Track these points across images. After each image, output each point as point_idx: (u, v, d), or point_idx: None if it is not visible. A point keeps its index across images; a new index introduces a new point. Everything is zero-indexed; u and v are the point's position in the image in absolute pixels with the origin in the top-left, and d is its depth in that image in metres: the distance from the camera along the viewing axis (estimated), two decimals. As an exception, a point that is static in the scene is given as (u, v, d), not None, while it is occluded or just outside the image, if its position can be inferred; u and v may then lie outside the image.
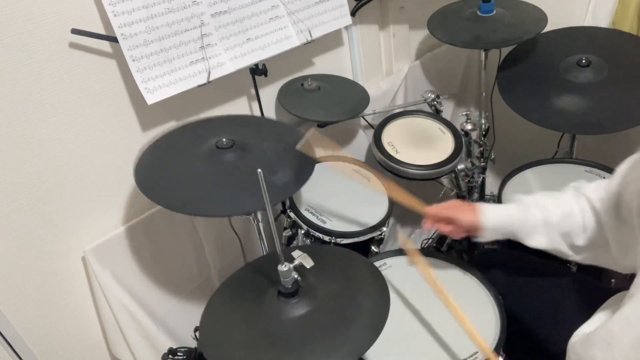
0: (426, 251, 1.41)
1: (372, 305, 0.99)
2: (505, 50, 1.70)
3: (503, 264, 1.32)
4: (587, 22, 1.71)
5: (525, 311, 1.21)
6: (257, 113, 1.51)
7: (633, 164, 0.94)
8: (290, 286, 0.97)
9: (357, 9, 1.63)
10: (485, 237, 1.11)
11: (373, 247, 1.45)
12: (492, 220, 1.10)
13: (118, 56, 1.21)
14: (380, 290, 1.02)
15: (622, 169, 0.97)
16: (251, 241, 1.57)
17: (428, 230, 2.15)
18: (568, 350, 0.95)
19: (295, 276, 0.97)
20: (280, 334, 0.95)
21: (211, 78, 1.28)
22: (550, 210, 1.05)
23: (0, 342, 1.25)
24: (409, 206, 1.20)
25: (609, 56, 1.56)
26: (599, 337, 0.85)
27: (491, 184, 1.94)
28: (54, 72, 1.14)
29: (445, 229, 1.15)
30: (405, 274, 1.30)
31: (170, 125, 1.38)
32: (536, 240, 1.07)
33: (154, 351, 1.45)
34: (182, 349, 1.28)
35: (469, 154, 1.73)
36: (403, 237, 1.23)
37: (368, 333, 0.93)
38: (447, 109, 2.02)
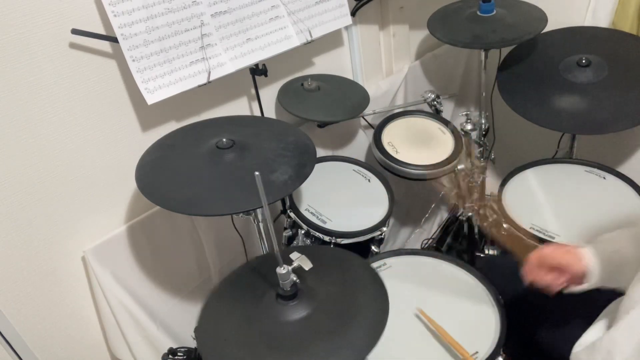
0: (426, 251, 1.41)
1: (372, 308, 0.99)
2: (505, 50, 1.70)
3: (503, 267, 1.32)
4: (587, 22, 1.71)
5: (526, 313, 1.21)
6: (257, 113, 1.51)
7: None
8: (288, 289, 0.97)
9: (357, 9, 1.63)
10: (589, 284, 0.98)
11: (373, 247, 1.45)
12: (598, 263, 0.97)
13: (118, 56, 1.21)
14: (379, 293, 1.02)
15: None
16: (252, 241, 1.57)
17: (428, 231, 2.15)
18: (572, 359, 0.95)
19: (294, 279, 0.97)
20: (279, 337, 0.94)
21: (211, 78, 1.28)
22: (622, 246, 0.98)
23: (0, 342, 1.25)
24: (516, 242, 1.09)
25: (609, 56, 1.56)
26: (602, 345, 0.85)
27: (491, 184, 1.93)
28: (54, 72, 1.14)
29: (546, 278, 0.99)
30: (405, 274, 1.30)
31: (171, 125, 1.38)
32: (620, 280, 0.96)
33: (154, 351, 1.45)
34: (182, 349, 1.28)
35: (469, 154, 1.73)
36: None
37: (368, 336, 0.92)
38: (447, 109, 2.02)
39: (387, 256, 1.35)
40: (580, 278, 0.98)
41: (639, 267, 0.93)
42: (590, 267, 0.96)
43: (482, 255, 1.73)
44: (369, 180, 1.56)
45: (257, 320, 0.98)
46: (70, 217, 1.28)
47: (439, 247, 2.05)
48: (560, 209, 1.41)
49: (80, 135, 1.23)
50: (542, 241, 1.33)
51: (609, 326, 0.97)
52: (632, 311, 0.83)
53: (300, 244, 1.42)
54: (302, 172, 1.11)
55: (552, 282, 0.99)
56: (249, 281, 1.08)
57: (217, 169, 1.11)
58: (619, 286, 0.98)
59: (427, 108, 1.75)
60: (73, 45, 1.15)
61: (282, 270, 0.95)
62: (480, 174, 1.79)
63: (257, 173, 0.85)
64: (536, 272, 0.99)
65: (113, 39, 1.16)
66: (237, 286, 1.10)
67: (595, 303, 1.04)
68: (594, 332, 0.99)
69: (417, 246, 2.07)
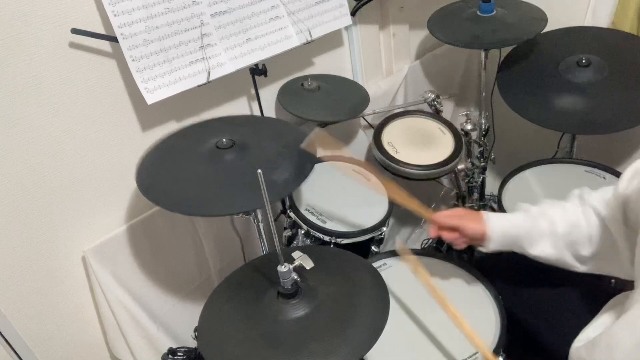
0: (426, 251, 1.41)
1: (372, 307, 0.99)
2: (505, 50, 1.70)
3: (503, 266, 1.32)
4: (587, 22, 1.71)
5: (526, 312, 1.22)
6: (257, 113, 1.51)
7: (638, 169, 0.92)
8: (289, 287, 0.97)
9: (357, 9, 1.63)
10: (488, 247, 1.09)
11: (373, 247, 1.45)
12: (497, 229, 1.08)
13: (118, 56, 1.21)
14: (379, 292, 1.02)
15: (627, 174, 0.94)
16: (251, 241, 1.57)
17: (428, 231, 2.15)
18: (571, 355, 0.95)
19: (295, 277, 0.97)
20: (279, 335, 0.95)
21: (211, 78, 1.28)
22: (556, 221, 1.04)
23: (0, 342, 1.25)
24: (413, 210, 1.19)
25: (609, 56, 1.55)
26: (603, 341, 0.85)
27: (491, 184, 1.93)
28: (54, 72, 1.14)
29: (448, 237, 1.13)
30: (405, 274, 1.30)
31: (170, 125, 1.38)
32: (541, 251, 1.05)
33: (154, 351, 1.45)
34: (182, 349, 1.28)
35: (469, 154, 1.73)
36: (401, 244, 1.21)
37: (368, 335, 0.93)
38: (447, 109, 2.02)
39: (387, 256, 1.35)
40: (480, 240, 1.09)
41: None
42: (487, 231, 1.07)
43: (480, 252, 1.73)
44: (369, 180, 1.55)
45: (258, 318, 0.98)
46: (70, 217, 1.28)
47: (439, 247, 2.04)
48: (560, 209, 1.41)
49: (80, 135, 1.23)
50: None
51: (610, 321, 0.97)
52: (633, 308, 0.83)
53: (300, 244, 1.42)
54: (302, 172, 1.11)
55: (453, 239, 1.12)
56: (250, 280, 1.09)
57: (217, 169, 1.12)
58: (523, 251, 1.07)
59: (427, 108, 1.75)
60: (73, 45, 1.15)
61: (283, 268, 0.95)
62: (480, 174, 1.79)
63: (259, 170, 0.85)
64: (437, 230, 1.13)
65: (113, 39, 1.16)
66: (238, 285, 1.10)
67: (595, 301, 1.05)
68: (593, 329, 0.99)
69: (417, 246, 2.07)
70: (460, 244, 1.12)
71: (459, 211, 1.14)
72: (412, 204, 1.19)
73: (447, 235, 1.13)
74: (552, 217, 1.05)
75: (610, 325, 0.88)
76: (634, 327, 0.81)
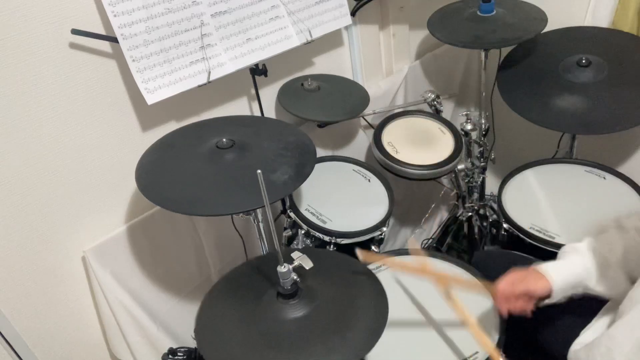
0: (426, 251, 1.41)
1: (371, 309, 0.99)
2: (505, 50, 1.70)
3: (502, 265, 1.32)
4: (587, 22, 1.71)
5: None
6: (257, 113, 1.51)
7: None
8: (289, 287, 0.97)
9: (357, 9, 1.63)
10: (552, 299, 1.03)
11: (373, 247, 1.45)
12: (559, 281, 1.01)
13: (118, 56, 1.21)
14: (378, 293, 1.02)
15: None
16: (252, 241, 1.57)
17: (428, 231, 2.15)
18: (570, 357, 0.95)
19: (295, 277, 0.97)
20: (278, 335, 0.95)
21: (211, 78, 1.28)
22: (613, 249, 1.00)
23: (0, 342, 1.25)
24: (475, 289, 1.13)
25: (609, 56, 1.55)
26: (602, 343, 0.85)
27: (491, 184, 1.94)
28: (54, 72, 1.14)
29: (518, 307, 1.03)
30: (405, 274, 1.30)
31: (170, 125, 1.38)
32: (603, 284, 1.00)
33: (154, 351, 1.45)
34: (182, 349, 1.28)
35: (469, 154, 1.73)
36: (412, 241, 1.17)
37: (367, 335, 0.93)
38: (447, 109, 2.02)
39: (387, 256, 1.35)
40: (547, 294, 1.02)
41: (600, 274, 0.98)
42: (553, 285, 1.00)
43: (480, 250, 1.73)
44: (369, 180, 1.56)
45: (257, 318, 0.98)
46: (70, 217, 1.28)
47: (439, 247, 2.05)
48: (560, 209, 1.41)
49: (80, 135, 1.23)
50: (540, 241, 1.33)
51: (608, 324, 0.97)
52: (631, 310, 0.83)
53: (300, 244, 1.42)
54: (302, 172, 1.11)
55: (523, 307, 1.03)
56: (249, 280, 1.09)
57: (217, 169, 1.12)
58: (587, 293, 1.01)
59: (427, 108, 1.75)
60: (73, 45, 1.15)
61: (282, 268, 0.95)
62: (480, 174, 1.79)
63: (259, 171, 0.85)
64: (506, 304, 1.03)
65: (113, 39, 1.16)
66: (238, 285, 1.10)
67: (595, 302, 1.05)
68: (592, 331, 0.99)
69: (417, 246, 2.07)
70: (528, 311, 1.04)
71: (515, 276, 1.05)
72: (475, 286, 1.14)
73: (515, 306, 1.03)
74: (607, 245, 1.01)
75: (609, 328, 0.88)
76: (633, 329, 0.81)
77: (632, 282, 0.96)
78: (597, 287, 1.00)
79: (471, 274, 1.28)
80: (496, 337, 1.12)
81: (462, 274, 1.29)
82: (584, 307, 1.06)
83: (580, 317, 1.04)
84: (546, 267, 1.03)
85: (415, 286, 1.25)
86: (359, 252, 1.18)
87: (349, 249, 1.35)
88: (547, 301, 1.03)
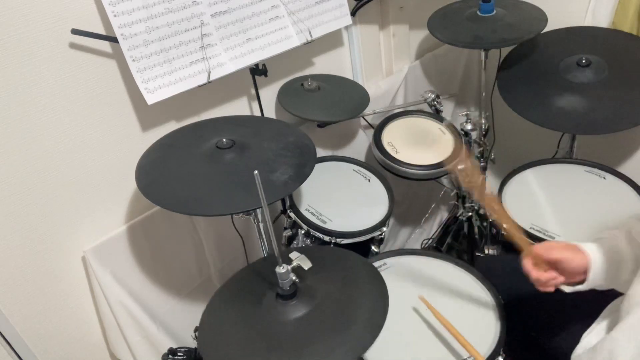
0: (426, 251, 1.41)
1: (371, 307, 0.99)
2: (505, 50, 1.70)
3: (503, 266, 1.32)
4: (587, 22, 1.71)
5: (526, 312, 1.21)
6: (257, 113, 1.51)
7: None
8: (288, 288, 0.97)
9: (357, 9, 1.63)
10: (588, 282, 0.97)
11: (373, 247, 1.45)
12: (598, 258, 0.97)
13: (118, 56, 1.21)
14: (379, 291, 1.02)
15: None
16: (252, 241, 1.57)
17: (428, 231, 2.15)
18: None
19: (293, 278, 0.97)
20: (278, 336, 0.95)
21: (211, 78, 1.28)
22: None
23: (0, 342, 1.25)
24: (516, 239, 1.08)
25: (609, 56, 1.55)
26: (604, 347, 0.85)
27: (491, 184, 1.93)
28: (54, 72, 1.14)
29: (545, 276, 0.98)
30: (405, 274, 1.30)
31: (170, 125, 1.38)
32: (637, 277, 0.92)
33: (154, 351, 1.45)
34: (182, 349, 1.28)
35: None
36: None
37: (366, 334, 0.93)
38: (447, 109, 2.02)
39: (387, 256, 1.35)
40: (579, 275, 0.97)
41: (634, 268, 0.94)
42: (591, 262, 0.96)
43: (482, 255, 1.73)
44: (369, 180, 1.56)
45: (257, 319, 0.98)
46: (70, 217, 1.28)
47: (439, 247, 2.05)
48: (560, 209, 1.41)
49: (80, 135, 1.23)
50: (541, 241, 1.33)
51: (610, 327, 0.97)
52: (633, 312, 0.83)
53: (300, 244, 1.42)
54: (302, 172, 1.11)
55: (550, 280, 0.98)
56: (249, 281, 1.09)
57: (217, 169, 1.12)
58: (615, 286, 0.98)
59: (427, 108, 1.75)
60: (73, 45, 1.15)
61: (281, 269, 0.95)
62: (480, 174, 1.79)
63: (256, 172, 0.85)
64: (535, 269, 0.99)
65: (113, 39, 1.16)
66: (237, 286, 1.10)
67: (595, 303, 1.04)
68: (594, 334, 0.98)
69: (417, 246, 2.07)
70: (553, 286, 0.99)
71: (556, 243, 1.01)
72: (518, 233, 1.08)
73: (543, 275, 0.98)
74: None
75: (611, 331, 0.87)
76: (636, 331, 0.81)
77: None
78: (628, 280, 0.94)
79: (472, 275, 1.28)
80: (496, 338, 1.12)
81: (462, 274, 1.29)
82: (585, 309, 1.06)
83: (581, 317, 1.03)
84: (586, 246, 0.99)
85: (416, 286, 1.25)
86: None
87: (349, 249, 1.35)
88: (578, 287, 0.98)
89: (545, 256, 0.98)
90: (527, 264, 0.99)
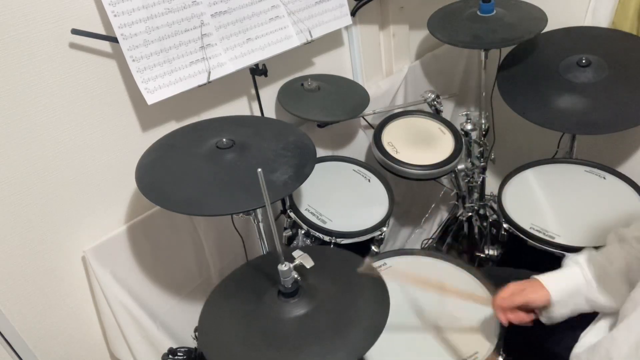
0: (426, 251, 1.41)
1: (372, 307, 0.99)
2: (505, 50, 1.70)
3: (502, 273, 1.32)
4: (587, 22, 1.71)
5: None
6: (257, 113, 1.51)
7: None
8: (290, 286, 0.97)
9: (357, 9, 1.63)
10: (555, 312, 1.02)
11: (373, 247, 1.45)
12: (558, 290, 1.01)
13: (118, 56, 1.21)
14: (379, 292, 1.02)
15: None
16: (252, 241, 1.57)
17: (428, 231, 2.15)
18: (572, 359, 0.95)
19: (295, 276, 0.97)
20: (279, 334, 0.95)
21: (211, 78, 1.28)
22: (612, 259, 0.99)
23: (0, 342, 1.25)
24: (471, 299, 1.15)
25: (609, 56, 1.56)
26: (603, 346, 0.86)
27: (491, 184, 1.94)
28: (54, 72, 1.14)
29: (517, 319, 1.04)
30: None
31: (170, 125, 1.38)
32: (605, 295, 0.98)
33: (154, 351, 1.45)
34: (182, 349, 1.28)
35: (469, 154, 1.73)
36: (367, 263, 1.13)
37: (367, 334, 0.93)
38: (447, 109, 2.02)
39: (387, 256, 1.35)
40: (544, 308, 1.02)
41: (602, 288, 0.98)
42: (551, 295, 1.00)
43: (482, 255, 1.73)
44: (369, 180, 1.56)
45: (258, 317, 0.98)
46: (70, 217, 1.28)
47: (439, 247, 2.05)
48: (560, 209, 1.41)
49: (80, 135, 1.23)
50: (541, 241, 1.33)
51: (608, 326, 0.97)
52: (633, 312, 0.83)
53: (300, 244, 1.42)
54: (302, 172, 1.11)
55: (523, 319, 1.04)
56: (250, 279, 1.09)
57: (217, 169, 1.12)
58: (597, 309, 1.00)
59: (427, 108, 1.75)
60: (73, 45, 1.15)
61: (283, 267, 0.95)
62: (480, 174, 1.79)
63: (259, 170, 0.85)
64: (505, 315, 1.05)
65: (113, 39, 1.16)
66: (239, 284, 1.10)
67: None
68: (593, 334, 0.99)
69: (417, 246, 2.07)
70: (529, 322, 1.05)
71: (514, 287, 1.05)
72: (468, 295, 1.15)
73: (514, 318, 1.04)
74: (607, 256, 1.00)
75: (611, 330, 0.88)
76: (631, 331, 0.81)
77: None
78: (599, 298, 0.99)
79: (472, 275, 1.28)
80: (495, 340, 1.12)
81: (462, 275, 1.29)
82: (583, 313, 1.06)
83: (580, 317, 1.03)
84: (545, 277, 1.03)
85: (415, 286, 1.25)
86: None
87: (349, 249, 1.35)
88: (546, 314, 1.03)
89: (509, 303, 1.04)
90: (497, 314, 1.06)
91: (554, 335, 1.13)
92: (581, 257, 1.04)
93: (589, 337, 0.98)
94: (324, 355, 0.90)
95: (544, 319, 1.04)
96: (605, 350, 0.84)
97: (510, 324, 1.12)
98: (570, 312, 1.02)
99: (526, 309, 1.04)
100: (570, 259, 1.05)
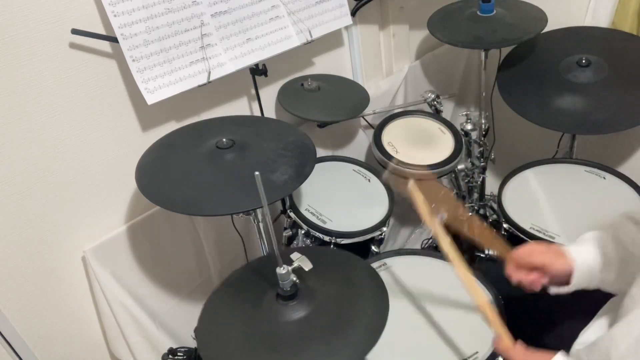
0: (426, 251, 1.41)
1: (372, 309, 0.99)
2: (505, 50, 1.70)
3: (503, 267, 1.32)
4: (587, 22, 1.71)
5: (526, 314, 1.21)
6: (257, 113, 1.51)
7: None
8: (288, 289, 0.97)
9: (357, 9, 1.63)
10: (571, 285, 0.98)
11: (373, 247, 1.45)
12: (583, 263, 0.97)
13: (118, 56, 1.21)
14: (379, 294, 1.02)
15: None
16: (252, 241, 1.57)
17: (428, 231, 2.15)
18: (571, 357, 0.95)
19: (294, 279, 0.97)
20: (278, 337, 0.94)
21: (211, 78, 1.28)
22: (635, 242, 0.95)
23: (0, 342, 1.25)
24: (495, 248, 1.10)
25: (609, 56, 1.56)
26: (602, 343, 0.86)
27: (491, 184, 1.94)
28: (54, 72, 1.14)
29: (528, 278, 1.00)
30: (405, 274, 1.30)
31: (170, 125, 1.38)
32: (622, 278, 0.94)
33: (154, 351, 1.45)
34: (182, 349, 1.28)
35: (469, 154, 1.73)
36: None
37: (367, 337, 0.92)
38: (447, 109, 2.02)
39: (387, 256, 1.35)
40: (562, 277, 0.98)
41: (619, 268, 0.94)
42: (575, 266, 0.97)
43: (482, 255, 1.73)
44: (369, 180, 1.56)
45: (257, 320, 0.98)
46: (70, 217, 1.28)
47: (439, 247, 2.04)
48: (560, 209, 1.41)
49: (80, 135, 1.23)
50: (536, 239, 1.33)
51: (608, 324, 0.97)
52: (633, 309, 0.83)
53: (300, 244, 1.42)
54: (302, 172, 1.11)
55: (534, 281, 0.99)
56: (249, 281, 1.09)
57: (217, 169, 1.12)
58: (601, 286, 0.98)
59: (427, 108, 1.75)
60: (73, 45, 1.15)
61: (282, 270, 0.95)
62: (480, 174, 1.79)
63: (257, 173, 0.85)
64: (517, 272, 1.01)
65: (113, 39, 1.16)
66: (238, 286, 1.10)
67: (595, 302, 1.04)
68: (592, 330, 0.99)
69: (417, 246, 2.07)
70: (538, 286, 1.00)
71: (536, 246, 1.01)
72: (495, 241, 1.10)
73: (526, 277, 1.00)
74: (629, 237, 0.96)
75: (611, 328, 0.88)
76: (630, 328, 0.81)
77: None
78: (614, 280, 0.95)
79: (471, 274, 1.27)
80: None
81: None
82: (584, 307, 1.06)
83: (580, 317, 1.03)
84: (569, 249, 0.99)
85: (416, 286, 1.25)
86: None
87: (349, 249, 1.35)
88: (561, 289, 0.99)
89: (527, 260, 1.00)
90: (509, 268, 1.02)
91: (554, 335, 1.13)
92: (606, 235, 0.99)
93: (588, 334, 0.98)
94: (325, 357, 0.90)
95: (552, 289, 1.00)
96: (605, 348, 0.84)
97: (511, 323, 1.12)
98: (580, 287, 0.98)
99: (541, 272, 0.99)
100: (592, 234, 1.02)
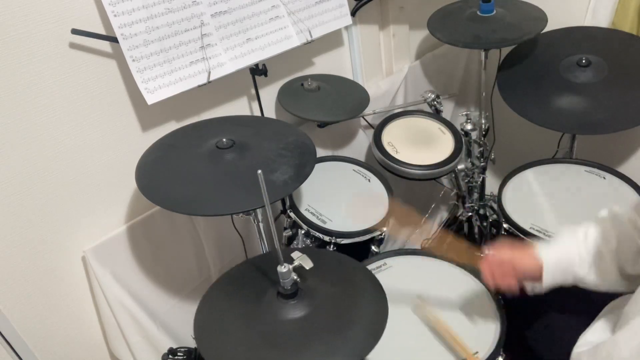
0: (426, 251, 1.41)
1: (371, 309, 0.99)
2: (505, 50, 1.70)
3: None
4: (587, 22, 1.71)
5: (526, 314, 1.21)
6: (257, 113, 1.51)
7: None
8: (289, 287, 0.97)
9: (357, 9, 1.63)
10: (545, 281, 1.00)
11: (373, 247, 1.45)
12: (551, 259, 0.99)
13: (118, 56, 1.21)
14: (378, 294, 1.02)
15: None
16: (252, 241, 1.57)
17: (428, 231, 2.15)
18: (573, 359, 0.95)
19: (295, 277, 0.97)
20: (278, 335, 0.94)
21: (211, 78, 1.28)
22: (608, 237, 0.98)
23: (0, 342, 1.25)
24: (468, 259, 1.15)
25: (609, 56, 1.56)
26: (605, 349, 0.86)
27: (491, 184, 1.94)
28: (54, 72, 1.14)
29: (503, 282, 1.03)
30: (405, 274, 1.30)
31: (170, 125, 1.38)
32: (594, 275, 0.97)
33: (154, 351, 1.45)
34: (182, 349, 1.28)
35: (469, 154, 1.73)
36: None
37: (367, 337, 0.92)
38: (447, 109, 2.02)
39: (387, 256, 1.35)
40: (535, 274, 1.00)
41: (613, 263, 0.96)
42: (543, 264, 0.99)
43: (482, 255, 1.73)
44: (369, 180, 1.56)
45: (257, 318, 0.98)
46: (70, 217, 1.28)
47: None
48: (560, 209, 1.41)
49: (80, 135, 1.23)
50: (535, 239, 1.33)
51: (609, 325, 0.97)
52: (637, 316, 0.83)
53: (300, 244, 1.42)
54: (302, 172, 1.11)
55: (509, 283, 1.02)
56: (250, 279, 1.09)
57: (217, 169, 1.12)
58: (581, 284, 0.99)
59: (427, 108, 1.75)
60: (73, 45, 1.15)
61: (283, 268, 0.95)
62: (480, 174, 1.79)
63: (259, 171, 0.85)
64: (492, 278, 1.04)
65: (113, 39, 1.16)
66: (238, 284, 1.10)
67: (595, 303, 1.04)
68: (591, 333, 0.99)
69: (417, 246, 2.07)
70: (514, 286, 1.03)
71: (507, 245, 1.05)
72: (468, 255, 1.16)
73: (501, 280, 1.03)
74: (602, 235, 0.98)
75: (611, 331, 0.87)
76: (633, 335, 0.81)
77: (622, 274, 0.96)
78: (587, 277, 0.97)
79: (472, 275, 1.28)
80: (496, 338, 1.12)
81: (462, 275, 1.29)
82: (584, 309, 1.06)
83: (580, 317, 1.03)
84: (539, 248, 1.02)
85: (415, 286, 1.25)
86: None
87: (349, 249, 1.35)
88: (537, 286, 1.01)
89: (496, 258, 1.04)
90: (485, 275, 1.05)
91: (554, 336, 1.13)
92: (579, 233, 1.01)
93: (588, 336, 0.98)
94: (324, 356, 0.90)
95: (528, 288, 1.03)
96: (607, 353, 0.84)
97: (510, 323, 1.12)
98: (555, 285, 1.00)
99: (513, 274, 1.03)
100: (567, 232, 1.04)
